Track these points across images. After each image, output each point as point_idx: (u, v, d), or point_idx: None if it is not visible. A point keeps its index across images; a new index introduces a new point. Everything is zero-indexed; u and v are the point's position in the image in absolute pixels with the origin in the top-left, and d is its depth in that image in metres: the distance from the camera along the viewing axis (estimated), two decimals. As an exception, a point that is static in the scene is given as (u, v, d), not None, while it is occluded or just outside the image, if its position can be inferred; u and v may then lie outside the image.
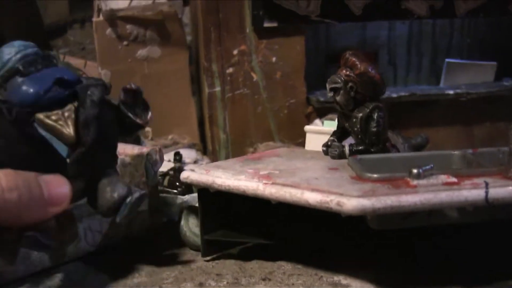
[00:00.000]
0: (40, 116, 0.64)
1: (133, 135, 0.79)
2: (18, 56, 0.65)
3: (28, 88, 0.64)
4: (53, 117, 0.64)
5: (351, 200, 0.57)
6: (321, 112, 1.23)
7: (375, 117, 0.73)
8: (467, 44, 1.65)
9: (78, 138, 0.64)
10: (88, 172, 0.66)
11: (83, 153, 0.64)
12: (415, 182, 0.59)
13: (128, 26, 1.24)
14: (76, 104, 0.65)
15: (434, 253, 0.71)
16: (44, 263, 0.71)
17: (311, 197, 0.60)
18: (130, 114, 0.69)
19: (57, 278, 0.71)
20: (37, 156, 0.63)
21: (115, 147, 0.71)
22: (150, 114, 0.70)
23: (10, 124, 0.61)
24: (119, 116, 0.69)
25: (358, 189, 0.59)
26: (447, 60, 1.53)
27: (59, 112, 0.64)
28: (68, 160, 0.64)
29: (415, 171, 0.60)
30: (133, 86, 0.69)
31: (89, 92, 0.66)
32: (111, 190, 0.66)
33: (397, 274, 0.67)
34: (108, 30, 1.24)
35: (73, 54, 1.71)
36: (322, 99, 1.23)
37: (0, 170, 0.55)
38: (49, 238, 0.64)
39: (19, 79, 0.64)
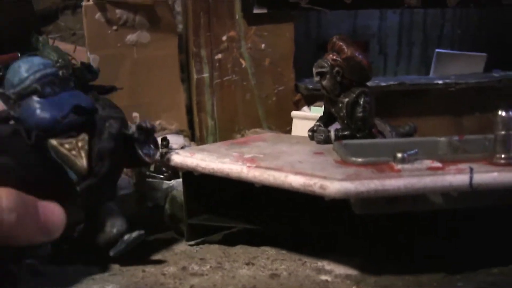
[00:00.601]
0: (54, 143, 0.65)
1: (135, 168, 0.80)
2: (38, 75, 0.66)
3: (45, 113, 0.65)
4: (67, 146, 0.65)
5: (334, 183, 0.56)
6: (310, 100, 1.22)
7: (361, 102, 0.72)
8: (458, 35, 1.64)
9: (90, 168, 0.66)
10: (95, 202, 0.68)
11: (93, 184, 0.66)
12: (399, 166, 0.59)
13: (118, 11, 1.23)
14: (87, 135, 0.66)
15: (419, 240, 0.71)
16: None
17: (295, 180, 0.60)
18: (141, 153, 0.70)
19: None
20: (49, 180, 0.63)
21: (118, 180, 0.72)
22: (158, 153, 0.73)
23: (28, 147, 0.61)
24: (129, 151, 0.70)
25: (341, 173, 0.58)
26: (437, 50, 1.52)
27: (73, 141, 0.65)
28: (77, 188, 0.65)
29: (399, 155, 0.59)
30: (148, 125, 0.71)
31: (107, 124, 0.67)
32: (110, 225, 0.68)
33: (381, 262, 0.66)
34: (98, 15, 1.23)
35: (64, 40, 1.70)
36: (310, 86, 1.22)
37: (2, 190, 0.55)
38: (45, 265, 0.66)
39: (36, 100, 0.65)
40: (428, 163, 0.59)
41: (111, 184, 0.70)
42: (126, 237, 0.68)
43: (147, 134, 0.71)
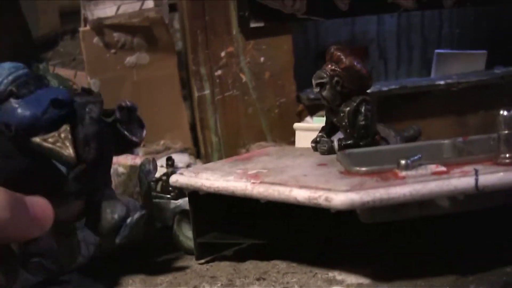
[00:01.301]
0: (37, 140, 0.64)
1: (127, 152, 0.79)
2: (10, 78, 0.66)
3: (24, 111, 0.64)
4: (50, 140, 0.64)
5: (339, 195, 0.56)
6: (312, 110, 1.22)
7: (362, 110, 0.72)
8: (457, 35, 1.64)
9: (78, 156, 0.65)
10: (88, 189, 0.67)
11: (84, 170, 0.65)
12: (403, 173, 0.59)
13: (115, 34, 1.23)
14: (68, 125, 0.65)
15: (430, 245, 0.70)
16: (38, 277, 0.71)
17: (299, 194, 0.59)
18: (126, 133, 0.70)
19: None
20: (36, 171, 0.63)
21: (111, 165, 0.71)
22: (144, 131, 0.71)
23: (9, 140, 0.62)
24: (115, 134, 0.70)
25: (346, 184, 0.58)
26: (436, 51, 1.52)
27: (55, 134, 0.64)
28: (68, 176, 0.65)
29: (403, 162, 0.59)
30: (128, 103, 0.70)
31: (87, 109, 0.67)
32: (111, 212, 0.67)
33: (393, 268, 0.66)
34: (95, 39, 1.23)
35: (64, 65, 1.71)
36: (312, 96, 1.23)
37: None
38: (52, 263, 0.66)
39: (14, 102, 0.64)
40: (432, 167, 0.59)
41: (103, 169, 0.69)
42: (128, 220, 0.67)
43: (129, 113, 0.70)
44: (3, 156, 0.61)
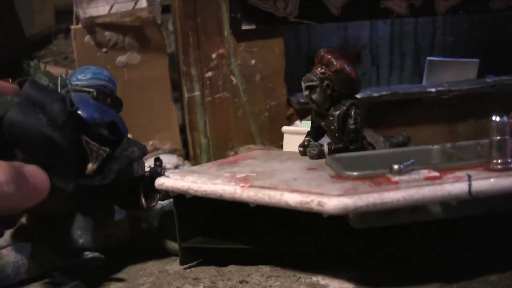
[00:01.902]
0: (84, 137, 0.67)
1: (129, 210, 0.79)
2: (100, 82, 0.71)
3: (88, 108, 0.67)
4: (91, 146, 0.67)
5: (332, 199, 0.55)
6: (303, 114, 1.22)
7: (352, 114, 0.71)
8: (450, 43, 1.64)
9: (94, 175, 0.67)
10: (78, 205, 0.68)
11: (87, 187, 0.67)
12: (396, 178, 0.58)
13: (107, 33, 1.22)
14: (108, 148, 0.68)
15: (415, 251, 0.70)
16: (20, 276, 0.70)
17: (291, 198, 0.58)
18: (142, 196, 0.72)
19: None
20: (62, 155, 0.65)
21: (109, 209, 0.72)
22: (155, 203, 0.73)
23: (64, 114, 0.63)
24: (131, 188, 0.72)
25: (338, 188, 0.57)
26: (428, 58, 1.52)
27: (96, 145, 0.67)
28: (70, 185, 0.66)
29: (396, 167, 0.59)
30: (162, 172, 0.72)
31: (130, 149, 0.69)
32: (79, 236, 0.67)
33: (377, 273, 0.66)
34: (87, 37, 1.22)
35: (56, 64, 1.70)
36: (302, 100, 1.22)
37: None
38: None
39: (90, 100, 0.69)
40: (425, 173, 0.58)
41: (100, 202, 0.70)
42: (86, 253, 0.67)
43: (153, 178, 0.72)
44: (54, 126, 0.63)
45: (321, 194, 0.56)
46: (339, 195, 0.55)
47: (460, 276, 0.63)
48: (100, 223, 0.71)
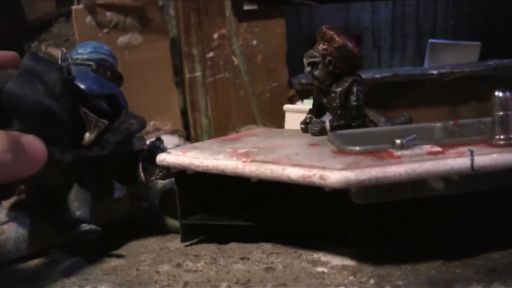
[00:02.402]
0: (83, 108, 0.67)
1: (127, 185, 0.79)
2: (100, 56, 0.72)
3: (87, 80, 0.68)
4: (89, 117, 0.67)
5: (334, 173, 0.55)
6: (304, 95, 1.21)
7: (354, 90, 0.71)
8: (452, 26, 1.63)
9: (91, 145, 0.68)
10: (75, 176, 0.68)
11: (83, 158, 0.67)
12: (398, 152, 0.58)
13: (108, 13, 1.22)
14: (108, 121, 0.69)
15: (416, 228, 0.70)
16: (21, 251, 0.70)
17: (293, 173, 0.58)
18: (140, 169, 0.72)
19: (32, 264, 0.70)
20: (59, 125, 0.65)
21: (107, 182, 0.73)
22: (154, 178, 0.72)
23: (61, 83, 0.64)
24: (130, 162, 0.72)
25: (341, 162, 0.57)
26: (430, 40, 1.51)
27: (95, 117, 0.67)
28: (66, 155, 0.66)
29: (398, 141, 0.58)
30: (161, 145, 0.73)
31: (129, 121, 0.70)
32: (76, 208, 0.67)
33: (378, 250, 0.66)
34: (88, 18, 1.22)
35: (57, 46, 1.70)
36: (304, 81, 1.22)
37: None
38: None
39: (90, 73, 0.70)
40: (427, 148, 0.58)
41: (99, 175, 0.70)
42: (83, 225, 0.67)
43: (153, 152, 0.72)
44: (51, 95, 0.64)
45: (323, 168, 0.56)
46: (341, 169, 0.55)
47: (462, 253, 0.63)
48: (99, 198, 0.71)
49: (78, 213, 0.67)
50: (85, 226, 0.67)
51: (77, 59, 0.71)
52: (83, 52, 0.71)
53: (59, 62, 0.70)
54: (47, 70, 0.64)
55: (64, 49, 0.71)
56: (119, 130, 0.69)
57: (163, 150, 0.71)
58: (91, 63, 0.71)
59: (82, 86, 0.67)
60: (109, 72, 0.72)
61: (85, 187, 0.69)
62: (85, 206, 0.68)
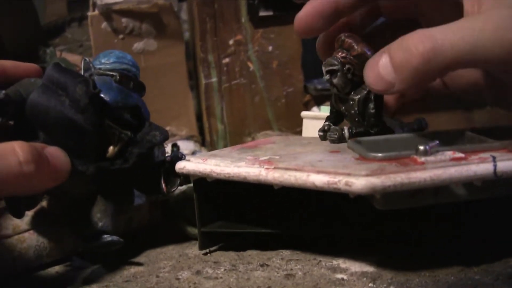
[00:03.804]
0: (107, 120, 0.67)
1: (148, 194, 0.79)
2: (123, 66, 0.71)
3: (111, 91, 0.68)
4: (113, 129, 0.67)
5: (360, 179, 0.55)
6: (319, 100, 1.21)
7: (372, 98, 0.71)
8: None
9: (115, 159, 0.68)
10: (97, 188, 0.69)
11: (107, 169, 0.67)
12: (422, 159, 0.58)
13: (124, 20, 1.22)
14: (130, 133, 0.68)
15: (436, 235, 0.70)
16: (41, 259, 0.70)
17: (318, 179, 0.58)
18: (162, 181, 0.72)
19: (53, 271, 0.71)
20: (84, 137, 0.65)
21: (129, 192, 0.73)
22: (176, 188, 0.73)
23: (87, 96, 0.64)
24: (151, 174, 0.72)
25: (365, 169, 0.57)
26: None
27: (118, 129, 0.67)
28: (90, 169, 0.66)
29: (421, 147, 0.58)
30: (184, 156, 0.72)
31: (152, 133, 0.69)
32: (98, 219, 0.68)
33: (397, 257, 0.66)
34: (104, 24, 1.22)
35: (71, 51, 1.70)
36: (320, 87, 1.22)
37: (14, 143, 0.57)
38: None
39: (113, 83, 0.69)
40: (450, 154, 0.58)
41: (120, 186, 0.70)
42: (105, 236, 0.67)
43: (174, 163, 0.72)
44: (76, 108, 0.63)
45: (348, 174, 0.56)
46: (367, 175, 0.55)
47: (481, 260, 0.63)
48: (120, 207, 0.72)
49: (100, 224, 0.67)
50: (108, 237, 0.67)
51: (100, 69, 0.70)
52: (106, 62, 0.71)
53: (82, 72, 0.69)
54: (72, 83, 0.63)
55: (87, 58, 0.71)
56: (142, 142, 0.69)
57: (183, 159, 0.72)
58: (114, 74, 0.70)
59: (106, 98, 0.67)
60: (132, 83, 0.71)
61: (107, 198, 0.69)
62: (107, 217, 0.68)
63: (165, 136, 0.71)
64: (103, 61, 0.71)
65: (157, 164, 0.72)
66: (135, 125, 0.70)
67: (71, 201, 0.69)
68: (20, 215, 0.65)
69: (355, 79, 0.72)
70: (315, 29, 0.74)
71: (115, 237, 0.68)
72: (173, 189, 0.73)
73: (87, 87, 0.64)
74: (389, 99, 0.83)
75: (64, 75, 0.64)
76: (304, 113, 0.95)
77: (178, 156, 0.73)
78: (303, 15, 0.74)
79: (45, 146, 0.61)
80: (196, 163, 0.69)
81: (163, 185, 0.72)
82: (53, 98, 0.63)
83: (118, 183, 0.69)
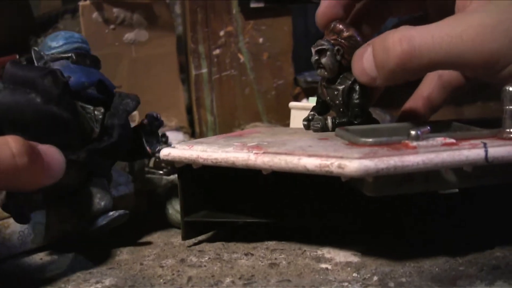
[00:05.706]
0: (79, 103, 0.67)
1: (136, 159, 0.81)
2: (75, 45, 0.70)
3: (80, 76, 0.68)
4: (87, 110, 0.67)
5: (353, 161, 0.54)
6: (309, 93, 1.21)
7: (357, 88, 0.70)
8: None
9: (99, 136, 0.68)
10: (92, 169, 0.68)
11: (97, 150, 0.67)
12: (414, 143, 0.57)
13: (115, 10, 1.22)
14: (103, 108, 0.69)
15: (420, 225, 0.70)
16: (25, 245, 0.70)
17: (309, 162, 0.57)
18: (144, 141, 0.72)
19: (37, 258, 0.70)
20: (61, 126, 0.64)
21: (116, 160, 0.74)
22: (160, 147, 0.72)
23: (57, 86, 0.63)
24: (134, 139, 0.72)
25: (358, 152, 0.56)
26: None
27: (91, 108, 0.68)
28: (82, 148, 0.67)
29: (413, 132, 0.58)
30: (158, 116, 0.73)
31: (124, 102, 0.70)
32: (99, 199, 0.67)
33: (382, 247, 0.65)
34: (95, 14, 1.22)
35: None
36: (310, 79, 1.22)
37: (8, 136, 0.56)
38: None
39: (68, 62, 0.68)
40: (441, 140, 0.58)
41: (111, 160, 0.71)
42: (111, 213, 0.67)
43: (153, 125, 0.73)
44: (49, 100, 0.62)
45: (341, 157, 0.55)
46: (360, 158, 0.55)
47: (465, 251, 0.63)
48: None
49: (102, 203, 0.67)
50: (114, 213, 0.67)
51: (52, 54, 0.69)
52: (56, 45, 0.69)
53: (35, 62, 0.68)
54: (39, 77, 0.62)
55: (36, 48, 0.69)
56: (119, 113, 0.69)
57: (160, 120, 0.73)
58: (69, 55, 0.69)
59: (71, 81, 0.66)
60: (87, 60, 0.70)
61: (102, 176, 0.69)
62: (107, 194, 0.68)
63: (137, 101, 0.71)
64: (53, 45, 0.70)
65: (136, 129, 0.73)
66: (104, 99, 0.70)
67: (65, 189, 0.68)
68: (26, 221, 0.63)
69: (343, 63, 0.71)
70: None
71: (121, 211, 0.68)
72: (157, 149, 0.72)
73: (55, 77, 0.63)
74: None
75: (28, 71, 0.63)
76: (292, 104, 0.95)
77: (153, 115, 0.73)
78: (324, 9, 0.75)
79: (37, 144, 0.59)
80: (182, 149, 0.68)
81: (147, 147, 0.72)
82: (23, 97, 0.61)
83: (108, 158, 0.70)
